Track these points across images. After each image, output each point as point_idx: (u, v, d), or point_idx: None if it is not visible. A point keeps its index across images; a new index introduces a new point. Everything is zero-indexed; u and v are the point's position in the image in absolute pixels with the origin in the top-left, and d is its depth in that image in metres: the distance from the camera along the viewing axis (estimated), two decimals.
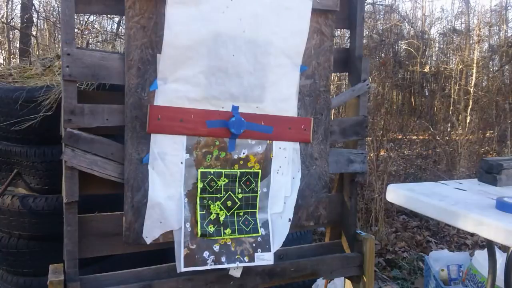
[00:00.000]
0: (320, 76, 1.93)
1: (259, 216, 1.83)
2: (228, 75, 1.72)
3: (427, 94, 7.81)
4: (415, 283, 3.17)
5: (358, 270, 2.10)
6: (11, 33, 8.38)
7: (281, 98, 1.84)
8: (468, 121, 6.78)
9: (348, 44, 2.15)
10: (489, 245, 1.93)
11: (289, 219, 1.89)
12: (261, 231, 1.82)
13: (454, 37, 8.66)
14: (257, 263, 1.79)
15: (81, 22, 7.36)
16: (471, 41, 8.05)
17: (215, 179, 1.76)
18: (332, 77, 2.23)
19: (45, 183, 2.33)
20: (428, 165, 5.88)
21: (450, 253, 2.98)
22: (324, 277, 2.12)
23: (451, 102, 7.46)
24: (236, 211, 1.79)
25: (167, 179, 1.69)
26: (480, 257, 2.51)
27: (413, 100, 8.19)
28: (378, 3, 8.93)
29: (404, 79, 7.85)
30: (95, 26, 8.06)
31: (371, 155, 4.72)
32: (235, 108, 1.76)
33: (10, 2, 8.13)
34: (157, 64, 1.64)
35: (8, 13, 8.28)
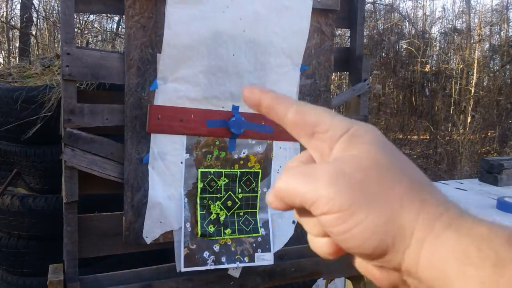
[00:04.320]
0: (320, 75, 1.92)
1: (259, 216, 1.82)
2: (228, 75, 1.71)
3: (427, 93, 7.79)
4: None
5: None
6: (10, 33, 8.38)
7: None
8: (469, 121, 6.77)
9: (349, 44, 2.14)
10: None
11: (293, 221, 1.88)
12: (261, 231, 1.81)
13: (455, 36, 8.65)
14: (257, 263, 1.79)
15: (81, 21, 7.35)
16: (472, 41, 8.04)
17: (215, 179, 1.75)
18: (333, 77, 2.22)
19: (45, 183, 2.32)
20: (429, 165, 5.88)
21: None
22: (325, 277, 2.11)
23: (452, 101, 7.45)
24: (236, 211, 1.79)
25: (167, 179, 1.68)
26: None
27: (414, 99, 8.18)
28: (378, 2, 8.92)
29: (405, 78, 7.84)
30: (95, 25, 8.05)
31: None
32: (235, 108, 1.75)
33: (9, 2, 8.13)
34: (157, 64, 1.63)
35: (8, 13, 8.28)
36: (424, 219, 0.28)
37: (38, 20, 8.26)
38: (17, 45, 7.69)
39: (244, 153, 1.79)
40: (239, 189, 1.79)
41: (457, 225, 0.28)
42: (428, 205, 0.29)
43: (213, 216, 1.74)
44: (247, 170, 1.80)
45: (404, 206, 0.29)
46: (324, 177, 0.30)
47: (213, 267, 1.72)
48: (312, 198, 0.30)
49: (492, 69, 8.33)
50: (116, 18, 7.81)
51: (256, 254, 1.78)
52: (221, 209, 1.76)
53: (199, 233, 1.70)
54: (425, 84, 8.12)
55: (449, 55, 8.71)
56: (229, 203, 1.77)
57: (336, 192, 0.29)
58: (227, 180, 1.77)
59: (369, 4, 8.24)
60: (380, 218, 0.29)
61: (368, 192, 0.29)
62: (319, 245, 0.33)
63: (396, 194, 0.29)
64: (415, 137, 7.42)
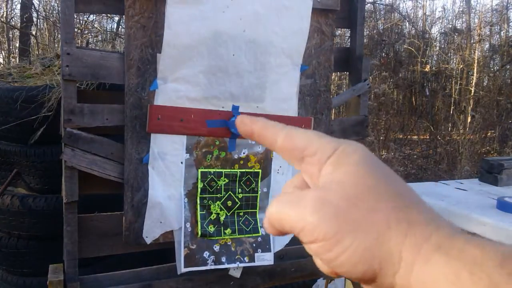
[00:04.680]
0: (320, 75, 1.92)
1: (259, 216, 1.82)
2: (228, 75, 1.71)
3: (427, 93, 7.79)
4: None
5: None
6: (10, 33, 8.38)
7: (282, 97, 1.83)
8: (469, 121, 6.77)
9: (349, 44, 2.14)
10: None
11: None
12: (262, 231, 1.81)
13: (455, 36, 8.64)
14: (257, 263, 1.79)
15: (81, 21, 7.35)
16: (472, 41, 8.04)
17: (215, 179, 1.75)
18: (333, 77, 2.22)
19: (45, 183, 2.32)
20: (429, 165, 5.88)
21: None
22: (325, 277, 2.11)
23: (452, 101, 7.45)
24: (236, 211, 1.79)
25: (167, 179, 1.68)
26: None
27: (414, 99, 8.18)
28: (378, 2, 8.92)
29: (405, 78, 7.84)
30: (95, 25, 8.05)
31: None
32: (235, 108, 1.75)
33: (9, 2, 8.13)
34: (157, 64, 1.63)
35: (8, 13, 8.28)
36: (411, 241, 0.28)
37: (38, 20, 8.26)
38: (17, 45, 7.68)
39: (244, 153, 1.79)
40: (239, 189, 1.79)
41: (447, 247, 0.27)
42: (416, 225, 0.28)
43: (213, 216, 1.74)
44: (247, 170, 1.80)
45: (391, 227, 0.28)
46: (309, 205, 0.30)
47: (213, 267, 1.72)
48: (299, 226, 0.30)
49: (492, 69, 8.33)
50: (116, 18, 7.81)
51: (256, 254, 1.78)
52: (221, 209, 1.76)
53: (199, 233, 1.70)
54: (425, 84, 8.12)
55: (449, 55, 8.71)
56: (229, 203, 1.77)
57: (321, 220, 0.29)
58: (227, 180, 1.77)
59: (369, 4, 8.24)
60: (366, 242, 0.28)
61: (353, 219, 0.29)
62: (321, 265, 0.34)
63: (382, 216, 0.29)
64: (415, 137, 7.42)
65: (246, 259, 1.77)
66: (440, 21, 9.70)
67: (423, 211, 0.29)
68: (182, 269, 1.67)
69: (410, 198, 0.30)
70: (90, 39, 7.29)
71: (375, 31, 8.21)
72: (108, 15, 7.20)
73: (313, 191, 0.31)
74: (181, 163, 1.70)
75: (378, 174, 0.31)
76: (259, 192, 1.83)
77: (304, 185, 0.35)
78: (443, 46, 8.94)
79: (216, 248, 1.73)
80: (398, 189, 0.30)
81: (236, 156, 1.78)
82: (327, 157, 0.32)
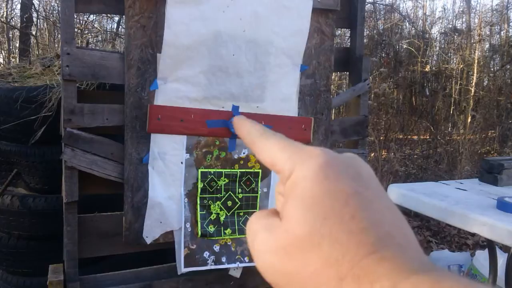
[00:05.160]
0: (320, 75, 1.92)
1: None
2: (228, 75, 1.71)
3: (428, 93, 7.79)
4: None
5: None
6: (10, 33, 8.38)
7: (282, 97, 1.83)
8: (469, 121, 6.77)
9: (349, 44, 2.14)
10: (490, 245, 1.93)
11: None
12: None
13: (455, 36, 8.64)
14: None
15: (81, 21, 7.35)
16: (472, 41, 8.04)
17: (215, 179, 1.75)
18: (333, 77, 2.22)
19: (45, 183, 2.32)
20: (429, 165, 5.88)
21: (451, 253, 2.97)
22: None
23: (452, 101, 7.44)
24: (236, 211, 1.79)
25: (167, 179, 1.68)
26: (481, 257, 2.51)
27: (414, 99, 8.18)
28: (378, 2, 8.92)
29: (405, 78, 7.84)
30: (95, 25, 8.05)
31: (372, 155, 4.71)
32: (235, 108, 1.75)
33: (10, 2, 8.13)
34: (157, 64, 1.63)
35: (8, 13, 8.28)
36: None
37: (38, 20, 8.26)
38: (17, 45, 7.68)
39: (244, 153, 1.79)
40: (239, 189, 1.79)
41: None
42: (348, 283, 0.25)
43: (213, 216, 1.74)
44: (247, 170, 1.80)
45: (321, 282, 0.26)
46: (255, 250, 0.30)
47: (213, 267, 1.72)
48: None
49: (492, 69, 8.33)
50: (116, 18, 7.81)
51: None
52: (221, 209, 1.76)
53: (199, 233, 1.70)
54: (425, 84, 8.11)
55: (449, 55, 8.71)
56: (229, 203, 1.77)
57: (263, 269, 0.29)
58: (227, 180, 1.77)
59: (369, 4, 8.24)
60: None
61: (285, 272, 0.27)
62: None
63: (311, 272, 0.26)
64: (416, 137, 7.42)
65: (246, 259, 1.77)
66: (440, 21, 9.69)
67: (358, 263, 0.25)
68: (182, 269, 1.67)
69: (348, 246, 0.26)
70: (90, 39, 7.29)
71: (375, 31, 8.21)
72: (108, 15, 7.20)
73: (261, 233, 0.29)
74: (181, 163, 1.70)
75: (319, 214, 0.26)
76: (259, 192, 1.83)
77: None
78: (443, 46, 8.93)
79: (216, 248, 1.73)
80: (337, 238, 0.26)
81: (236, 156, 1.78)
82: (286, 180, 0.29)
